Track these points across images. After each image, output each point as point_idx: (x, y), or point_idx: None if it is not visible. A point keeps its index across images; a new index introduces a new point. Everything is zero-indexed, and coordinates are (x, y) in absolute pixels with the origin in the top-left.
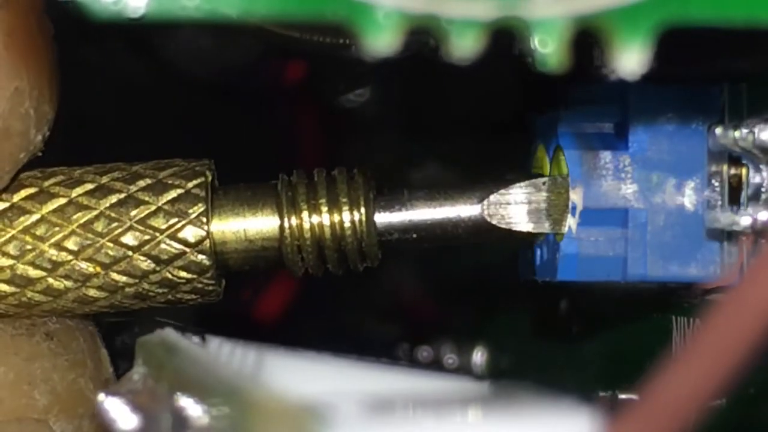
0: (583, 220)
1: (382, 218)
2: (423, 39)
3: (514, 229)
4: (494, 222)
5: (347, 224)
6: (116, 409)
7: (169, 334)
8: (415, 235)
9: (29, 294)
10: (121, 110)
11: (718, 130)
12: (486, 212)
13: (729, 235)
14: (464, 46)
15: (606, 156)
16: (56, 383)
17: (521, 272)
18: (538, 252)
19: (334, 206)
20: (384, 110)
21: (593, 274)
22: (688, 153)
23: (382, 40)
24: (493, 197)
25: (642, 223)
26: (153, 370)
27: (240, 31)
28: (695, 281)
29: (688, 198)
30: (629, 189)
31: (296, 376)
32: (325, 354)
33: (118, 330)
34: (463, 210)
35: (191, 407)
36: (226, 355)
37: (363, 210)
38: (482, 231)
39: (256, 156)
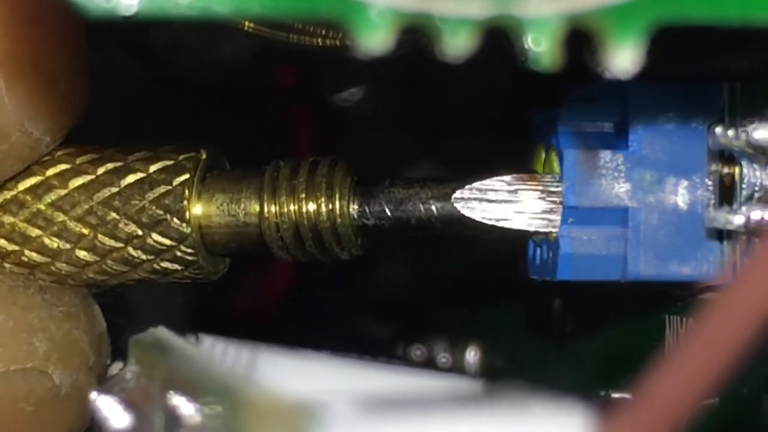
0: (582, 220)
1: (358, 205)
2: (417, 37)
3: (484, 222)
4: (465, 215)
5: (322, 209)
6: (109, 407)
7: (163, 332)
8: (390, 224)
9: (27, 252)
10: (115, 110)
11: (718, 130)
12: (457, 205)
13: (725, 234)
14: (458, 45)
15: (605, 155)
16: (53, 332)
17: (521, 272)
18: (538, 252)
19: (311, 191)
20: (378, 109)
21: (592, 273)
22: (687, 152)
23: (375, 39)
24: (465, 190)
25: (641, 222)
26: (146, 368)
27: (233, 31)
28: (693, 280)
29: (687, 197)
30: (629, 188)
31: (289, 375)
32: (318, 353)
33: (112, 329)
34: (437, 201)
35: (184, 406)
36: (219, 353)
37: (338, 196)
38: (455, 223)
39: (251, 155)
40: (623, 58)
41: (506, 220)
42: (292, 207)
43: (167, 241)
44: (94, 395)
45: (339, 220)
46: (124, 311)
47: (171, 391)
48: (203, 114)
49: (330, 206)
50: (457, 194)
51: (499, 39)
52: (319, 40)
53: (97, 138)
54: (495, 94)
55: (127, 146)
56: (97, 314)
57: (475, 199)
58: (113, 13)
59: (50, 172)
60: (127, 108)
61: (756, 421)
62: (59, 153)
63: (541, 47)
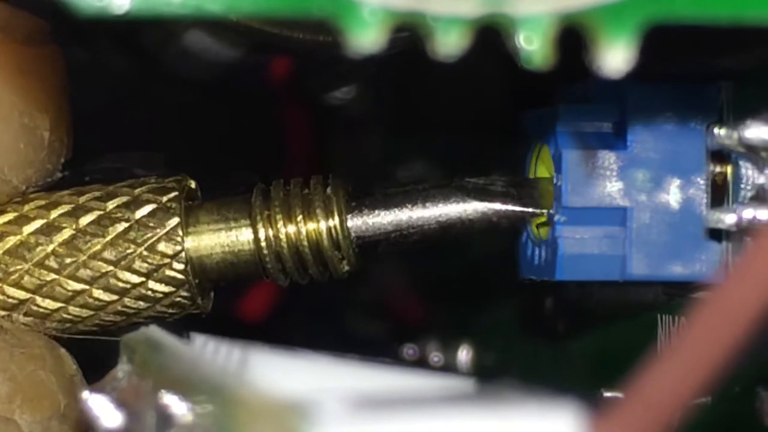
0: (581, 220)
1: (357, 223)
2: (409, 36)
3: (491, 226)
4: (471, 221)
5: (323, 232)
6: (100, 406)
7: (154, 331)
8: (392, 237)
9: (14, 317)
10: (108, 109)
11: (716, 129)
12: (461, 212)
13: (720, 234)
14: (450, 44)
15: (603, 155)
16: (15, 372)
17: (520, 272)
18: (536, 252)
19: (308, 215)
20: (371, 108)
21: (590, 273)
22: (685, 152)
23: (367, 37)
24: (469, 196)
25: (640, 222)
26: (137, 367)
27: (225, 28)
28: (692, 280)
29: (684, 197)
30: (627, 188)
31: (281, 374)
32: (310, 352)
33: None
34: (440, 210)
35: (175, 405)
36: (210, 352)
37: (337, 217)
38: (458, 230)
39: (244, 154)
40: (615, 57)
41: (504, 222)
42: (290, 229)
43: (165, 288)
44: (86, 394)
45: (343, 247)
46: None
47: (163, 390)
48: (196, 112)
49: (330, 235)
50: (460, 203)
51: (491, 38)
52: (313, 37)
53: (87, 136)
54: (488, 93)
55: (96, 187)
56: (64, 356)
57: (476, 204)
58: (105, 12)
59: (26, 230)
60: (119, 105)
61: (748, 420)
62: (29, 206)
63: (533, 46)
